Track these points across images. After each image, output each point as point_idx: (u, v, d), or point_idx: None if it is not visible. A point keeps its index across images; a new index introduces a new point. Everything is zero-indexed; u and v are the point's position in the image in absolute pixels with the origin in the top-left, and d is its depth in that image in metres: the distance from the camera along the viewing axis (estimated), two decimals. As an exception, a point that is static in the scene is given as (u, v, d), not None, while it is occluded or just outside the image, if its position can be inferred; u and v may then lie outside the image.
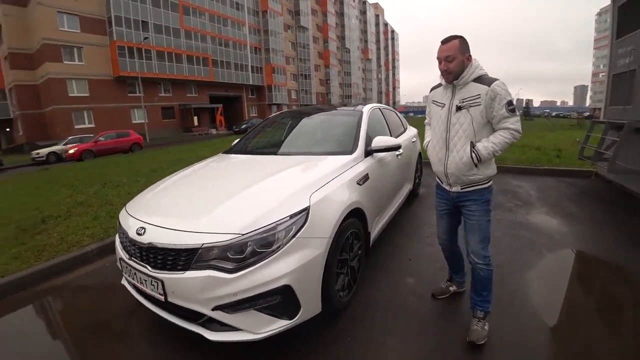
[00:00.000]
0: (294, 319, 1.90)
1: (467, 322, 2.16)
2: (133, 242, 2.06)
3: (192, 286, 1.79)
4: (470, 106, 1.95)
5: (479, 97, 1.92)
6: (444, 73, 1.99)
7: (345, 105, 4.04)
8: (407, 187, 4.37)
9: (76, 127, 27.15)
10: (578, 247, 3.35)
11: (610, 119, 5.98)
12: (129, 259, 2.10)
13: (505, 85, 1.91)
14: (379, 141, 2.97)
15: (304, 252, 1.92)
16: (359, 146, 2.95)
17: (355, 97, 73.28)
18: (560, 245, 3.37)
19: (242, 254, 1.80)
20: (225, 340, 1.83)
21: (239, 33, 41.75)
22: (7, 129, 33.63)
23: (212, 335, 1.85)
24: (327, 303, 2.11)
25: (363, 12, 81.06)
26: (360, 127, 3.18)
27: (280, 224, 1.89)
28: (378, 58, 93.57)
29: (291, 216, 1.94)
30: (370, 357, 2.00)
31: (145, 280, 1.97)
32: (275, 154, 3.19)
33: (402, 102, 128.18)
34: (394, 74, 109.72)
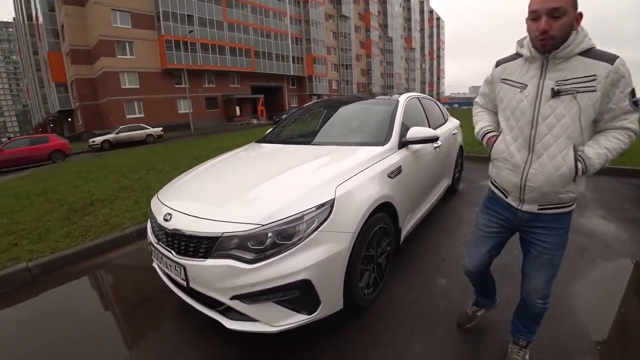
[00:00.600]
0: (313, 315, 1.85)
1: (502, 336, 1.96)
2: (161, 228, 2.09)
3: (211, 274, 1.80)
4: (578, 91, 1.32)
5: (594, 79, 1.30)
6: (543, 36, 1.31)
7: (383, 94, 3.91)
8: (445, 182, 4.13)
9: (127, 117, 28.99)
10: (639, 258, 2.94)
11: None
12: (157, 243, 2.15)
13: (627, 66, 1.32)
14: (415, 132, 2.79)
15: (326, 246, 1.84)
16: (392, 137, 2.81)
17: (397, 88, 71.44)
18: (617, 254, 2.97)
19: (262, 244, 1.76)
20: (241, 330, 1.82)
21: (280, 24, 42.11)
22: (69, 119, 36.66)
23: (229, 324, 1.85)
24: (350, 300, 2.03)
25: (407, -1, 78.54)
26: (395, 116, 3.03)
27: (303, 216, 1.82)
28: (422, 47, 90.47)
29: (315, 208, 1.86)
30: (390, 360, 1.91)
31: (170, 265, 2.00)
32: (305, 143, 3.15)
33: (447, 93, 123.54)
34: (438, 64, 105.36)
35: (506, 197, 1.62)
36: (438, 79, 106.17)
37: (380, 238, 2.31)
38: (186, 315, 2.40)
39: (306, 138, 3.29)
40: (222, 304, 1.85)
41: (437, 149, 3.50)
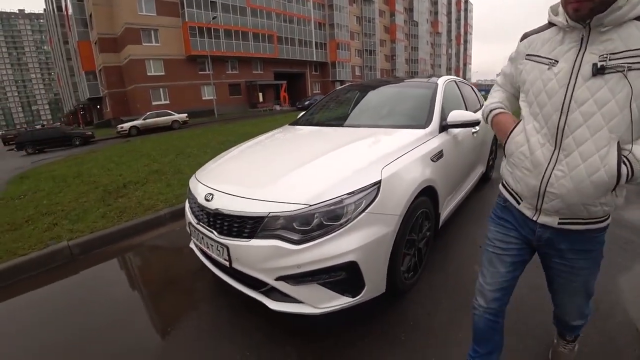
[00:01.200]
0: (357, 297, 1.82)
1: (546, 324, 1.81)
2: (201, 208, 2.09)
3: (256, 254, 1.78)
4: (632, 68, 0.97)
5: None
6: None
7: (413, 78, 3.85)
8: (480, 169, 4.02)
9: (153, 103, 29.61)
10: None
11: None
12: (197, 223, 2.15)
13: None
14: (456, 115, 2.69)
15: (372, 228, 1.80)
16: (433, 120, 2.73)
17: (421, 74, 69.55)
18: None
19: (308, 225, 1.74)
20: (285, 311, 1.82)
21: (303, 9, 41.60)
22: (98, 107, 37.80)
23: (273, 305, 1.84)
24: (392, 284, 2.00)
25: (434, -19, 75.75)
26: (435, 99, 2.95)
27: (350, 197, 1.79)
28: (449, 31, 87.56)
29: (361, 189, 1.82)
30: (432, 346, 1.86)
31: (212, 245, 2.00)
32: (342, 125, 3.11)
33: (473, 80, 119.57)
34: (465, 49, 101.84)
35: (519, 203, 1.29)
36: (465, 64, 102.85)
37: (421, 222, 2.26)
38: (223, 295, 2.43)
39: (342, 120, 3.25)
40: (265, 284, 1.85)
41: (475, 135, 3.39)
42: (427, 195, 2.26)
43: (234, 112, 33.59)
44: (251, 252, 1.80)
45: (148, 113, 22.40)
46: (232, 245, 1.87)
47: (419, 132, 2.56)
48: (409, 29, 66.79)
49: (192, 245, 2.51)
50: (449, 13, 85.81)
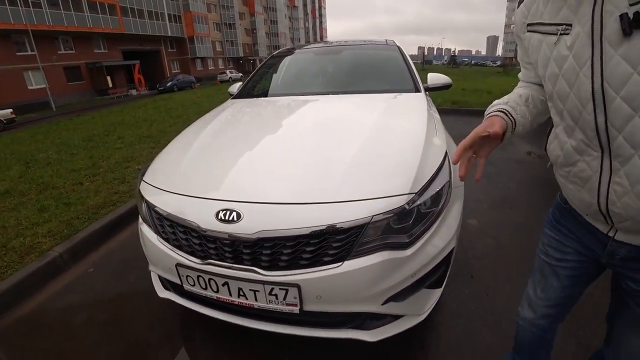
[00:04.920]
0: (442, 287, 1.60)
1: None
2: (212, 237, 1.39)
3: (358, 280, 1.30)
4: None
5: None
6: None
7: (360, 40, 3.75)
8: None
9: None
10: None
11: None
12: (203, 263, 1.41)
13: None
14: (434, 78, 2.84)
15: (456, 204, 1.62)
16: (419, 83, 2.65)
17: (282, 47, 69.83)
18: None
19: (409, 220, 1.37)
20: (388, 336, 1.44)
21: (148, -25, 35.89)
22: None
23: (374, 336, 1.43)
24: None
25: (285, -47, 75.25)
26: (408, 61, 2.94)
27: (441, 173, 1.53)
28: (304, 5, 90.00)
29: (441, 164, 1.56)
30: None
31: (255, 290, 1.37)
32: (330, 93, 2.67)
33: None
34: (321, 23, 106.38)
35: (585, 214, 0.94)
36: (321, 38, 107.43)
37: None
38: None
39: (323, 87, 2.84)
40: (354, 318, 1.42)
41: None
42: None
43: (78, 102, 27.65)
44: (347, 280, 1.30)
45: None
46: (308, 280, 1.30)
47: (420, 96, 2.44)
48: (267, 2, 65.83)
49: (166, 295, 1.75)
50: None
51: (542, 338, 1.20)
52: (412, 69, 2.79)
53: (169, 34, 39.09)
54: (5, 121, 17.14)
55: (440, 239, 1.45)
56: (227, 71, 41.05)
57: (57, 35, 27.81)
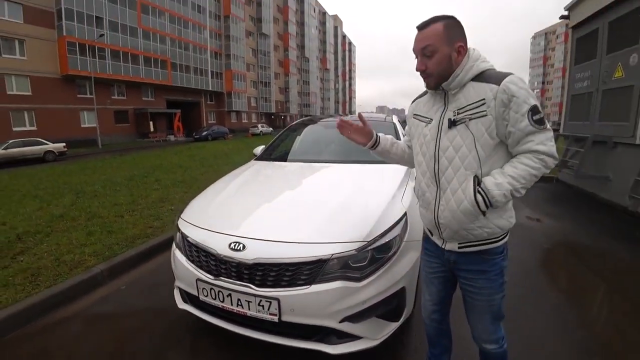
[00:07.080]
0: (399, 321, 1.98)
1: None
2: (223, 261, 1.91)
3: (320, 300, 1.75)
4: (471, 118, 1.26)
5: (484, 103, 1.23)
6: (422, 75, 1.34)
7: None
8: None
9: (15, 129, 24.51)
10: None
11: (570, 132, 7.05)
12: (215, 279, 1.93)
13: (524, 82, 1.23)
14: None
15: (410, 255, 2.03)
16: None
17: (312, 106, 73.94)
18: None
19: (364, 261, 1.84)
20: (348, 352, 1.81)
21: (199, 37, 40.57)
22: None
23: (334, 349, 1.81)
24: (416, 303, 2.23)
25: (323, 23, 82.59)
26: (400, 137, 3.42)
27: (394, 229, 1.97)
28: (336, 68, 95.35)
29: (399, 220, 2.03)
30: None
31: (249, 302, 1.84)
32: (329, 162, 3.33)
33: (357, 112, 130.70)
34: (350, 85, 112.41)
35: (431, 235, 1.55)
36: (350, 98, 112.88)
37: None
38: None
39: (325, 156, 3.51)
40: (318, 332, 1.83)
41: None
42: None
43: (121, 142, 30.24)
44: (312, 299, 1.75)
45: (10, 141, 18.30)
46: (285, 296, 1.77)
47: (402, 167, 2.75)
48: (301, 64, 70.58)
49: (184, 307, 2.27)
50: (335, 52, 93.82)
51: (439, 329, 1.70)
52: None
53: (210, 88, 42.82)
54: (57, 153, 19.22)
55: (388, 279, 1.85)
56: (259, 125, 43.49)
57: (113, 82, 31.39)
